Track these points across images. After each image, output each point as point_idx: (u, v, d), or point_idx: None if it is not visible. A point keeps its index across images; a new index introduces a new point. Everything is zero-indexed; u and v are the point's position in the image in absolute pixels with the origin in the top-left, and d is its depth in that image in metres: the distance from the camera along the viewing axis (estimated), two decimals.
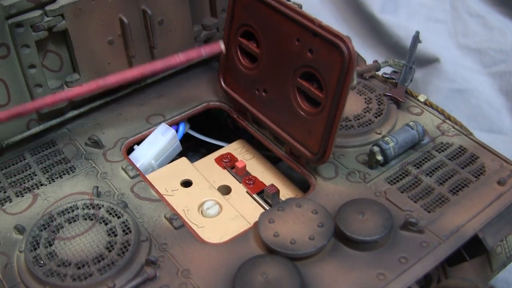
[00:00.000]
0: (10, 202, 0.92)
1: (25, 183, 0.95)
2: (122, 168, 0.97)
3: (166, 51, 1.10)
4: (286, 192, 0.99)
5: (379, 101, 1.06)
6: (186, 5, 1.09)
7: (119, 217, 0.85)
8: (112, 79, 0.89)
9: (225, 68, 1.07)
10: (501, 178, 0.91)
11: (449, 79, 1.62)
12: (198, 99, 1.12)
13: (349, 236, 0.81)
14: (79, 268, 0.79)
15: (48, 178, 0.96)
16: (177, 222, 0.87)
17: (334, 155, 0.97)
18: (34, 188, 0.94)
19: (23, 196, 0.93)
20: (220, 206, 0.96)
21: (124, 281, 0.78)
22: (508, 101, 1.56)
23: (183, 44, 1.12)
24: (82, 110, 1.07)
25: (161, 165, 1.05)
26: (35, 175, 0.97)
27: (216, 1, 1.14)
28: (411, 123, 0.97)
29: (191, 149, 1.21)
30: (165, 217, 0.88)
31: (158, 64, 0.90)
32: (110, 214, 0.86)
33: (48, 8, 0.95)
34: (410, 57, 1.10)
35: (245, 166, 1.02)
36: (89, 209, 0.87)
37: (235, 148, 1.08)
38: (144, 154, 1.03)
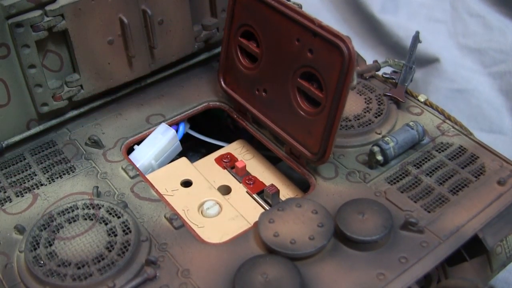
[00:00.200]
0: (10, 202, 0.92)
1: (25, 183, 0.95)
2: (122, 168, 0.97)
3: (166, 51, 1.10)
4: (286, 192, 0.99)
5: (379, 101, 1.06)
6: (186, 5, 1.09)
7: (119, 217, 0.85)
8: None
9: (225, 68, 1.07)
10: (501, 178, 0.91)
11: (449, 79, 1.62)
12: (198, 99, 1.12)
13: (349, 236, 0.81)
14: (79, 268, 0.79)
15: (48, 178, 0.96)
16: (177, 222, 0.87)
17: (334, 155, 0.97)
18: (34, 188, 0.94)
19: (23, 196, 0.93)
20: (220, 206, 0.96)
21: (124, 281, 0.78)
22: (508, 101, 1.56)
23: (183, 44, 1.12)
24: (82, 110, 1.07)
25: (161, 165, 1.05)
26: (35, 175, 0.97)
27: (216, 1, 1.14)
28: (411, 123, 0.97)
29: (191, 149, 1.21)
30: (165, 217, 0.88)
31: None
32: (110, 214, 0.86)
33: (48, 8, 0.95)
34: (410, 57, 1.10)
35: (245, 166, 1.02)
36: (89, 209, 0.87)
37: (235, 148, 1.08)
38: (144, 154, 1.03)
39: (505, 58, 1.60)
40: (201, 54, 1.19)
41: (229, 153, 1.07)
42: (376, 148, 0.94)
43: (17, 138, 1.01)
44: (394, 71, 1.11)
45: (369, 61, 1.16)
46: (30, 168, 0.98)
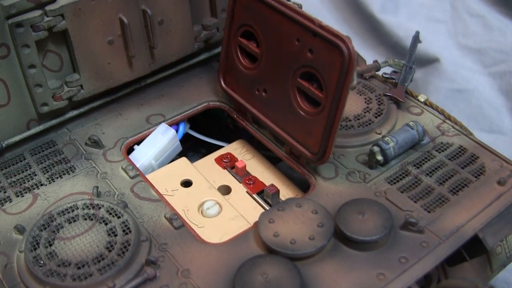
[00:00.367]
0: (10, 202, 0.92)
1: (25, 183, 0.95)
2: (122, 168, 0.97)
3: (166, 51, 1.10)
4: (286, 192, 0.99)
5: (379, 101, 1.06)
6: (186, 5, 1.09)
7: (119, 217, 0.85)
8: None
9: (225, 68, 1.07)
10: (501, 178, 0.91)
11: (449, 79, 1.62)
12: (198, 99, 1.12)
13: (349, 236, 0.81)
14: (79, 268, 0.79)
15: (48, 178, 0.96)
16: (177, 222, 0.87)
17: (334, 155, 0.97)
18: (34, 188, 0.94)
19: (23, 196, 0.93)
20: (220, 206, 0.96)
21: (124, 281, 0.78)
22: (508, 101, 1.56)
23: (183, 44, 1.12)
24: (82, 110, 1.07)
25: (161, 165, 1.05)
26: (35, 175, 0.97)
27: (216, 1, 1.14)
28: (411, 123, 0.97)
29: (191, 149, 1.21)
30: (165, 217, 0.88)
31: None
32: (110, 214, 0.86)
33: (48, 8, 0.95)
34: (410, 57, 1.10)
35: (245, 166, 1.02)
36: (89, 209, 0.87)
37: (235, 148, 1.08)
38: (144, 154, 1.03)
39: (505, 58, 1.60)
40: (201, 54, 1.19)
41: (229, 153, 1.07)
42: (376, 148, 0.94)
43: (17, 138, 1.01)
44: (394, 71, 1.11)
45: (369, 61, 1.16)
46: (30, 168, 0.98)
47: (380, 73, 1.13)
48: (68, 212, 0.86)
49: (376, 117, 1.02)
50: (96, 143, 1.01)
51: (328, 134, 0.89)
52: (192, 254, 0.83)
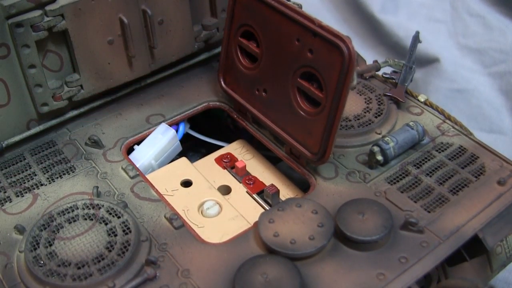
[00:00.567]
0: (10, 202, 0.92)
1: (25, 183, 0.95)
2: (122, 168, 0.97)
3: (166, 51, 1.10)
4: (286, 192, 0.99)
5: (379, 101, 1.06)
6: (186, 5, 1.09)
7: (119, 217, 0.85)
8: None
9: (225, 68, 1.07)
10: (501, 178, 0.91)
11: (449, 79, 1.62)
12: (198, 99, 1.12)
13: (349, 236, 0.81)
14: (79, 268, 0.79)
15: (48, 178, 0.96)
16: (177, 222, 0.87)
17: (334, 155, 0.97)
18: (34, 188, 0.94)
19: (23, 196, 0.93)
20: (220, 206, 0.96)
21: (124, 281, 0.78)
22: (508, 101, 1.56)
23: (183, 44, 1.12)
24: (82, 110, 1.07)
25: (161, 165, 1.05)
26: (35, 175, 0.97)
27: (216, 1, 1.14)
28: (411, 123, 0.97)
29: (191, 149, 1.21)
30: (165, 217, 0.88)
31: None
32: (110, 214, 0.86)
33: (48, 8, 0.95)
34: (410, 57, 1.10)
35: (245, 166, 1.02)
36: (89, 209, 0.87)
37: (235, 148, 1.08)
38: (144, 154, 1.03)
39: (505, 58, 1.60)
40: (201, 54, 1.19)
41: (229, 153, 1.07)
42: (376, 148, 0.94)
43: (17, 138, 1.01)
44: (394, 71, 1.11)
45: (369, 61, 1.16)
46: (30, 168, 0.98)
47: (380, 73, 1.13)
48: (68, 212, 0.86)
49: (376, 117, 1.02)
50: (96, 143, 1.01)
51: (328, 134, 0.89)
52: (192, 254, 0.83)
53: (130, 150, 1.04)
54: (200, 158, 1.08)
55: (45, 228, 0.84)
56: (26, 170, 0.98)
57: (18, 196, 0.93)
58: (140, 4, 1.03)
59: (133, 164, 0.99)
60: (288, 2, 0.93)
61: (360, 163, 0.96)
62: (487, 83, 1.60)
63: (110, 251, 0.81)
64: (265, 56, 0.98)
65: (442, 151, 0.97)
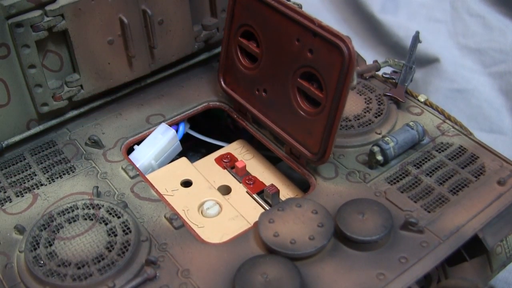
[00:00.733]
0: (10, 202, 0.92)
1: (25, 183, 0.95)
2: (122, 168, 0.97)
3: (166, 51, 1.10)
4: (286, 192, 0.99)
5: (379, 101, 1.06)
6: (186, 5, 1.09)
7: (119, 217, 0.85)
8: None
9: (225, 68, 1.07)
10: (501, 178, 0.91)
11: (449, 79, 1.62)
12: (198, 99, 1.12)
13: (349, 236, 0.81)
14: (79, 268, 0.79)
15: (48, 178, 0.96)
16: (177, 222, 0.87)
17: (334, 155, 0.97)
18: (34, 188, 0.94)
19: (23, 196, 0.93)
20: (220, 206, 0.96)
21: (124, 281, 0.78)
22: (508, 101, 1.56)
23: (183, 44, 1.12)
24: (82, 110, 1.07)
25: (161, 165, 1.05)
26: (35, 175, 0.97)
27: (216, 1, 1.14)
28: (411, 123, 0.97)
29: (191, 149, 1.21)
30: (165, 217, 0.88)
31: None
32: (110, 214, 0.86)
33: (48, 8, 0.95)
34: (410, 57, 1.10)
35: (245, 166, 1.02)
36: (89, 209, 0.87)
37: (235, 148, 1.08)
38: (144, 154, 1.03)
39: (505, 58, 1.60)
40: (201, 54, 1.19)
41: (229, 153, 1.07)
42: (376, 148, 0.94)
43: (17, 138, 1.01)
44: (394, 71, 1.11)
45: (369, 61, 1.16)
46: (30, 168, 0.98)
47: (380, 73, 1.13)
48: (68, 212, 0.86)
49: (376, 117, 1.02)
50: (96, 143, 1.01)
51: (328, 134, 0.89)
52: (192, 254, 0.83)
53: (130, 150, 1.04)
54: (200, 158, 1.08)
55: (45, 228, 0.84)
56: (26, 170, 0.98)
57: (18, 196, 0.93)
58: (140, 4, 1.03)
59: (133, 164, 0.99)
60: (288, 2, 0.93)
61: (360, 163, 0.96)
62: (487, 83, 1.60)
63: (110, 251, 0.81)
64: (265, 56, 0.98)
65: (442, 151, 0.97)
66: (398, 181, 0.92)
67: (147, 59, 1.09)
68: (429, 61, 1.66)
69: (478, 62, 1.64)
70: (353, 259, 0.81)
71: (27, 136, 1.02)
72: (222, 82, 1.08)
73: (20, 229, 0.86)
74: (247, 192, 0.99)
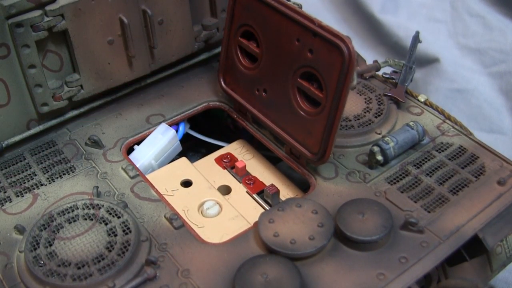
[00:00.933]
0: (10, 202, 0.92)
1: (25, 183, 0.95)
2: (122, 168, 0.97)
3: (166, 51, 1.10)
4: (286, 192, 0.99)
5: (379, 101, 1.06)
6: (186, 5, 1.09)
7: (119, 217, 0.85)
8: None
9: (225, 68, 1.07)
10: (501, 178, 0.91)
11: (449, 79, 1.62)
12: (198, 99, 1.12)
13: (349, 236, 0.81)
14: (79, 268, 0.79)
15: (48, 178, 0.96)
16: (177, 222, 0.87)
17: (334, 155, 0.97)
18: (34, 188, 0.94)
19: (23, 196, 0.93)
20: (220, 206, 0.96)
21: (124, 281, 0.78)
22: (508, 101, 1.56)
23: (183, 44, 1.12)
24: (82, 110, 1.07)
25: (161, 165, 1.05)
26: (35, 175, 0.97)
27: (216, 1, 1.14)
28: (411, 123, 0.97)
29: (191, 149, 1.21)
30: (165, 217, 0.88)
31: None
32: (110, 214, 0.86)
33: (48, 8, 0.95)
34: (410, 57, 1.10)
35: (245, 166, 1.02)
36: (89, 209, 0.87)
37: (235, 148, 1.08)
38: (144, 154, 1.03)
39: (505, 58, 1.60)
40: (201, 54, 1.19)
41: (229, 153, 1.07)
42: (376, 148, 0.94)
43: (17, 138, 1.01)
44: (394, 71, 1.11)
45: (369, 61, 1.16)
46: (30, 168, 0.98)
47: (380, 73, 1.13)
48: (68, 212, 0.86)
49: (376, 117, 1.02)
50: (96, 143, 1.01)
51: (328, 134, 0.89)
52: (192, 254, 0.83)
53: (130, 150, 1.04)
54: (200, 158, 1.08)
55: (45, 228, 0.84)
56: (26, 170, 0.98)
57: (18, 196, 0.93)
58: (140, 4, 1.03)
59: (133, 164, 0.99)
60: (288, 2, 0.93)
61: (360, 163, 0.96)
62: (487, 83, 1.60)
63: (110, 251, 0.81)
64: (265, 56, 0.98)
65: (442, 151, 0.97)
66: (398, 181, 0.92)
67: (147, 59, 1.09)
68: (429, 61, 1.66)
69: (478, 62, 1.64)
70: (353, 259, 0.81)
71: (27, 136, 1.02)
72: (222, 82, 1.08)
73: (20, 229, 0.86)
74: (247, 192, 0.99)
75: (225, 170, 1.04)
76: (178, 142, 1.07)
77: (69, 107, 1.06)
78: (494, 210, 0.87)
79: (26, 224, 0.87)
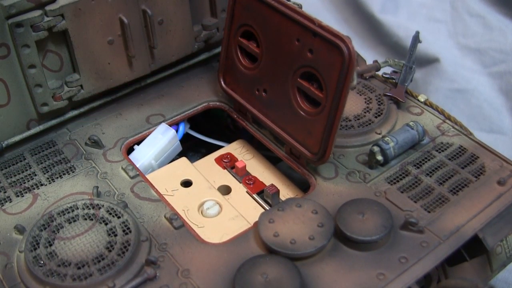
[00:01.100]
0: (10, 202, 0.92)
1: (25, 183, 0.95)
2: (122, 168, 0.97)
3: (166, 51, 1.10)
4: (286, 192, 0.99)
5: (379, 101, 1.06)
6: (186, 5, 1.09)
7: (119, 217, 0.85)
8: None
9: (225, 68, 1.07)
10: (501, 178, 0.91)
11: (449, 79, 1.62)
12: (198, 99, 1.12)
13: (349, 236, 0.81)
14: (79, 268, 0.79)
15: (48, 178, 0.96)
16: (177, 222, 0.87)
17: (334, 155, 0.97)
18: (34, 188, 0.94)
19: (23, 196, 0.93)
20: (220, 206, 0.96)
21: (124, 281, 0.78)
22: (508, 101, 1.56)
23: (183, 44, 1.12)
24: (82, 110, 1.07)
25: (161, 165, 1.05)
26: (35, 175, 0.97)
27: (216, 1, 1.14)
28: (411, 123, 0.97)
29: (191, 149, 1.21)
30: (165, 217, 0.88)
31: None
32: (110, 214, 0.86)
33: (48, 8, 0.95)
34: (410, 57, 1.10)
35: (245, 166, 1.02)
36: (89, 209, 0.87)
37: (235, 148, 1.08)
38: (144, 154, 1.03)
39: (505, 58, 1.60)
40: (201, 54, 1.19)
41: (229, 153, 1.07)
42: (376, 148, 0.94)
43: (17, 138, 1.01)
44: (394, 71, 1.11)
45: (369, 61, 1.16)
46: (30, 168, 0.98)
47: (380, 73, 1.13)
48: (68, 212, 0.86)
49: (376, 117, 1.02)
50: (96, 143, 1.01)
51: (328, 134, 0.89)
52: (192, 254, 0.83)
53: (130, 150, 1.04)
54: (200, 158, 1.08)
55: (45, 228, 0.84)
56: (26, 170, 0.98)
57: (18, 196, 0.93)
58: (140, 4, 1.03)
59: (133, 164, 0.99)
60: (288, 2, 0.93)
61: (360, 163, 0.96)
62: (487, 83, 1.60)
63: (110, 251, 0.81)
64: (265, 56, 0.98)
65: (442, 151, 0.97)
66: (398, 181, 0.92)
67: (147, 59, 1.09)
68: (429, 61, 1.66)
69: (478, 62, 1.64)
70: (353, 259, 0.81)
71: (27, 136, 1.02)
72: (222, 82, 1.08)
73: (20, 229, 0.86)
74: (247, 192, 0.99)
75: (225, 170, 1.04)
76: (178, 142, 1.07)
77: (69, 107, 1.06)
78: (494, 210, 0.87)
79: (26, 224, 0.87)
